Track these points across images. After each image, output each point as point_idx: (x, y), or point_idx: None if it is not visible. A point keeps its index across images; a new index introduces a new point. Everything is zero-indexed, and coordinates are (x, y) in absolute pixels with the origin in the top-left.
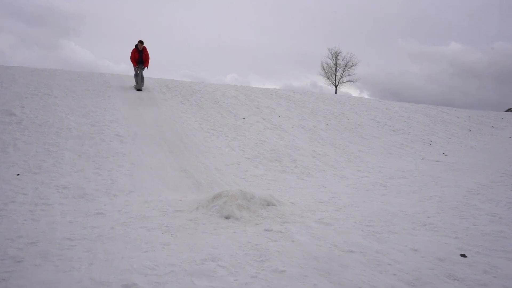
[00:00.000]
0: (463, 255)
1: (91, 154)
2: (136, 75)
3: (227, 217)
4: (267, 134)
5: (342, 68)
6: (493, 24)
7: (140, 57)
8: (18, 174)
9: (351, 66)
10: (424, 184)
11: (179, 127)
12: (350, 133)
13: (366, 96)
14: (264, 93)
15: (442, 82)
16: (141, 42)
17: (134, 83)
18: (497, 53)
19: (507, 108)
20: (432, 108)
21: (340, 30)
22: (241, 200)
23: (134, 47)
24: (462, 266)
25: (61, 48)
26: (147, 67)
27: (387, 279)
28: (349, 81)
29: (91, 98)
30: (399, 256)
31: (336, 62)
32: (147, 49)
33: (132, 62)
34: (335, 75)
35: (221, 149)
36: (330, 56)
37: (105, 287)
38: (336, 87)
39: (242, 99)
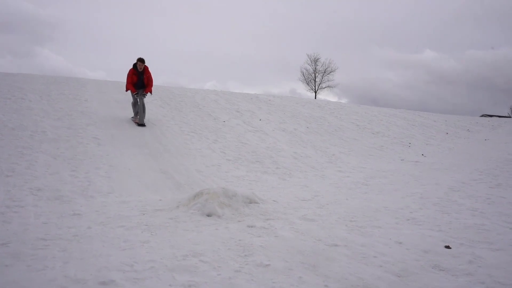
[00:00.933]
0: (447, 247)
1: (67, 157)
2: (135, 105)
3: (208, 215)
4: (248, 136)
5: (321, 74)
6: (465, 33)
7: (140, 80)
8: None
9: (330, 72)
10: (405, 183)
11: (158, 130)
12: (330, 136)
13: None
14: (244, 98)
15: (418, 88)
16: (141, 60)
17: (132, 115)
18: (470, 61)
19: (481, 114)
20: (410, 112)
21: (317, 38)
22: (223, 198)
23: (131, 66)
24: (447, 257)
25: (35, 55)
26: (151, 92)
27: (373, 271)
28: (328, 86)
29: (67, 101)
30: (384, 249)
31: (315, 68)
32: (149, 69)
33: (129, 88)
34: (315, 81)
35: (201, 151)
36: (309, 62)
37: (81, 284)
38: (315, 92)
39: (222, 103)
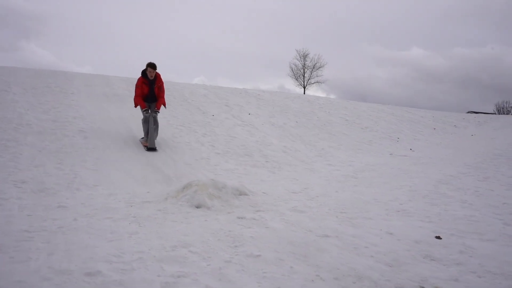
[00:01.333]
0: (438, 237)
1: (52, 150)
2: (145, 122)
3: (198, 206)
4: (237, 130)
5: (310, 70)
6: (452, 31)
7: (151, 90)
8: None
9: (319, 68)
10: (394, 176)
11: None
12: (319, 130)
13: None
14: (233, 92)
15: (406, 85)
16: (152, 66)
17: (142, 135)
18: (456, 59)
19: (467, 111)
20: (398, 108)
21: (306, 34)
22: (212, 189)
23: (140, 75)
24: (437, 248)
25: (21, 49)
26: (164, 105)
27: (365, 261)
28: (317, 82)
29: (53, 94)
30: (375, 239)
31: (304, 64)
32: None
33: (139, 102)
34: (303, 76)
35: (190, 145)
36: (299, 57)
37: (66, 275)
38: (304, 88)
39: (211, 97)
